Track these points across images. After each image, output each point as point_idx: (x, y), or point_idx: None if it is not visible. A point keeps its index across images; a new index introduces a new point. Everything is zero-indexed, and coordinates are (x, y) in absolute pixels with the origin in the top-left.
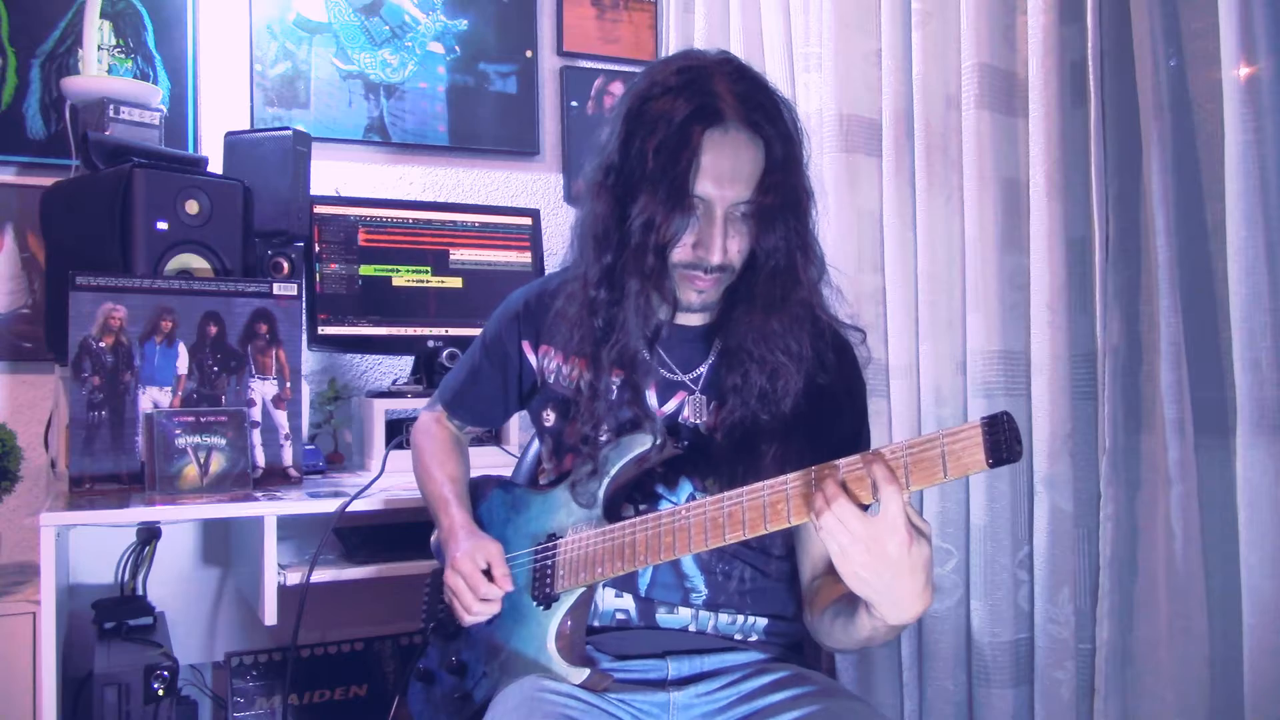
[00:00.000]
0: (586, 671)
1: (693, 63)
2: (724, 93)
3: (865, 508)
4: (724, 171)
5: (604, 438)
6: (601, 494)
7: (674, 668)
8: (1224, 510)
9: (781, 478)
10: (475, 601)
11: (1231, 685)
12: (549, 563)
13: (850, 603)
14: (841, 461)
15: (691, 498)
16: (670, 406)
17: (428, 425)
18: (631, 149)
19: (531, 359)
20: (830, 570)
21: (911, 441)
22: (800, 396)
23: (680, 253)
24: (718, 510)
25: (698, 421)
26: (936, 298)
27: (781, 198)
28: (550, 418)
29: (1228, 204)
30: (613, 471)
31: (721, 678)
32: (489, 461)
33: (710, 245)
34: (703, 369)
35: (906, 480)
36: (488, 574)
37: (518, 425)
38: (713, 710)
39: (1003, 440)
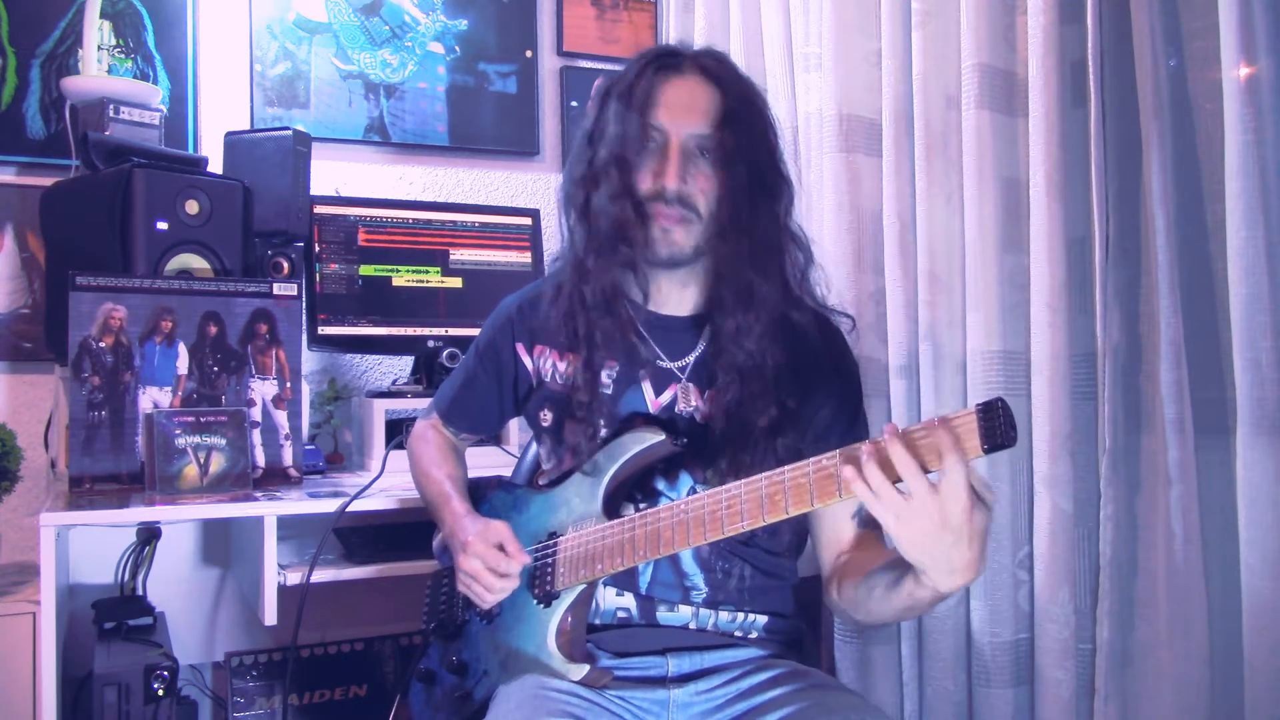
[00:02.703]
0: (586, 668)
1: (669, 45)
2: (685, 53)
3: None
4: (679, 103)
5: (601, 428)
6: (601, 493)
7: (674, 665)
8: (1224, 510)
9: (779, 469)
10: (496, 579)
11: (1231, 685)
12: (549, 561)
13: (891, 571)
14: (895, 432)
15: (692, 490)
16: (665, 397)
17: (423, 432)
18: (602, 112)
19: (526, 361)
20: (858, 546)
21: (908, 428)
22: (790, 375)
23: (644, 185)
24: (716, 504)
25: (691, 410)
26: (936, 298)
27: (741, 135)
28: (548, 417)
29: (1228, 204)
30: (612, 470)
31: (721, 674)
32: (489, 462)
33: (665, 170)
34: (691, 357)
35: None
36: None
37: (517, 426)
38: (711, 708)
39: (998, 426)
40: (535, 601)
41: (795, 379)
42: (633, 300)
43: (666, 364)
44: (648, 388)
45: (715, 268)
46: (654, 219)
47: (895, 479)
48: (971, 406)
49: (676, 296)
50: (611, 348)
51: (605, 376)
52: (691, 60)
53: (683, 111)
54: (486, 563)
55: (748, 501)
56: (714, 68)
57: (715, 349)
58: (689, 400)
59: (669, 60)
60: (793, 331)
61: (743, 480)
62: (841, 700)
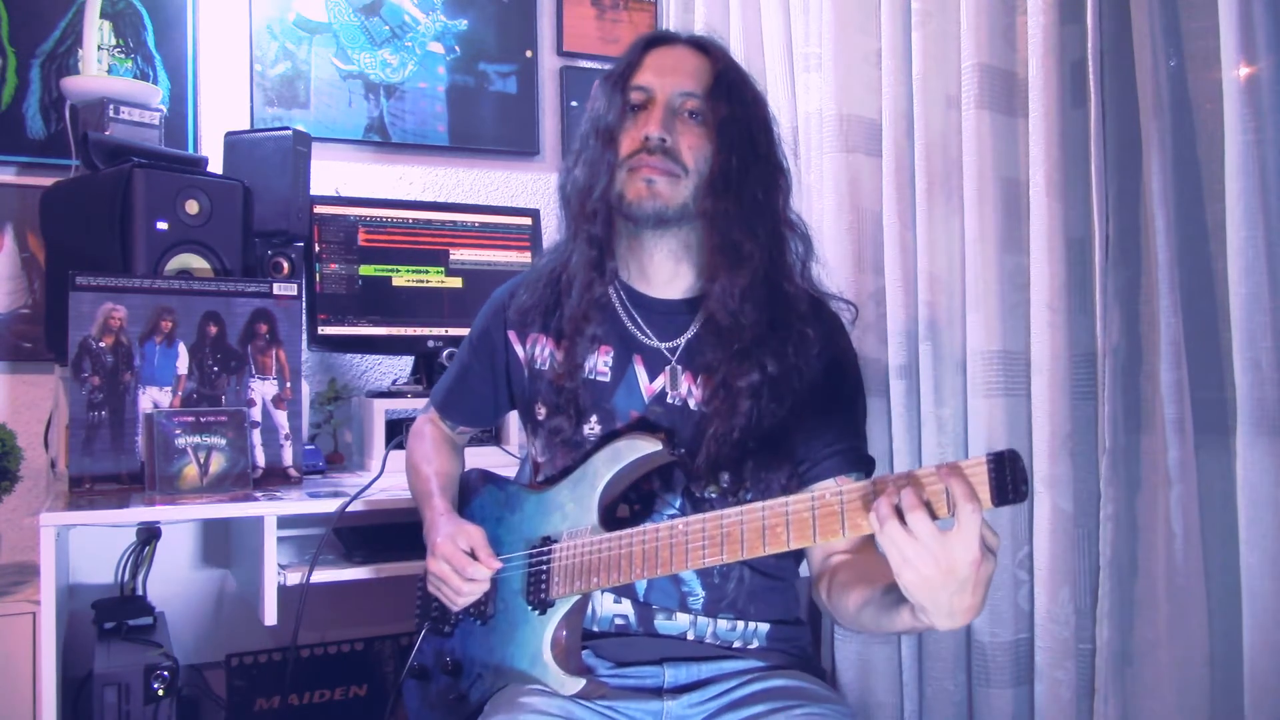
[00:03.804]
0: (582, 682)
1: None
2: (680, 33)
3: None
4: (665, 65)
5: (594, 425)
6: (596, 501)
7: (670, 675)
8: (1224, 510)
9: (781, 499)
10: (463, 583)
11: (1231, 685)
12: (544, 568)
13: (887, 595)
14: (904, 472)
15: (686, 491)
16: (659, 383)
17: (420, 427)
18: (594, 102)
19: (519, 349)
20: (852, 546)
21: (915, 473)
22: (785, 369)
23: (626, 144)
24: (715, 529)
25: (685, 397)
26: (936, 298)
27: (735, 112)
28: (542, 411)
29: (1228, 204)
30: (608, 477)
31: (717, 685)
32: (489, 461)
33: (648, 120)
34: (682, 340)
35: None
36: (472, 558)
37: (517, 425)
38: (704, 718)
39: (1008, 480)
40: (530, 608)
41: (791, 372)
42: (624, 282)
43: (656, 344)
44: (641, 372)
45: (707, 240)
46: (637, 173)
47: (905, 521)
48: (982, 456)
49: (669, 275)
50: (603, 332)
51: (602, 364)
52: (683, 38)
53: (669, 72)
54: (453, 565)
55: (749, 530)
56: (708, 43)
57: (708, 330)
58: (679, 386)
59: (660, 36)
60: (788, 316)
61: (743, 507)
62: (818, 715)
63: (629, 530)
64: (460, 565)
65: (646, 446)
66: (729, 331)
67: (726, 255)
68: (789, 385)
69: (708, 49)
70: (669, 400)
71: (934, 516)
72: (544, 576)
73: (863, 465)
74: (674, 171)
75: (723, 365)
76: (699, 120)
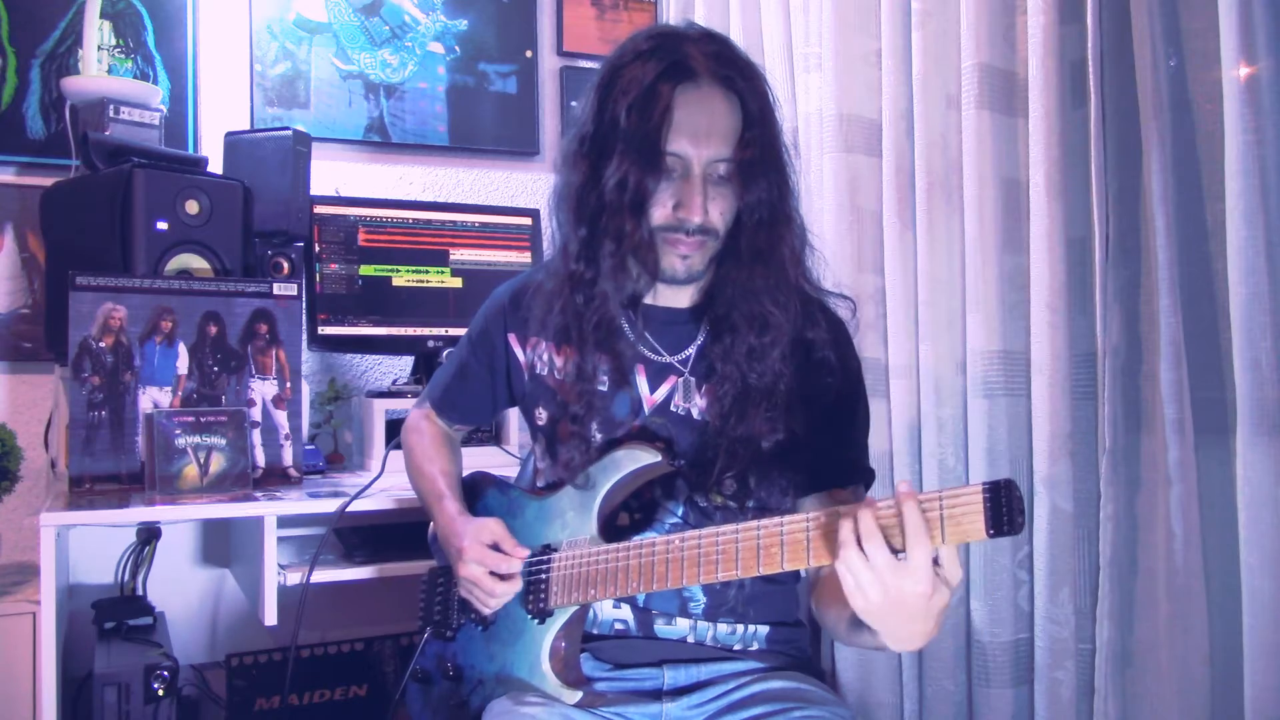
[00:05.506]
0: (580, 694)
1: (664, 30)
2: (695, 53)
3: (895, 551)
4: (699, 128)
5: (595, 433)
6: (595, 510)
7: (670, 677)
8: (1224, 510)
9: (777, 519)
10: (497, 584)
11: (1231, 685)
12: (543, 576)
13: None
14: (871, 501)
15: (689, 500)
16: (661, 393)
17: (417, 423)
18: (604, 114)
19: (519, 353)
20: None
21: (877, 503)
22: (793, 372)
23: (660, 214)
24: (711, 546)
25: (689, 407)
26: (936, 298)
27: (761, 153)
28: (543, 416)
29: (1228, 204)
30: (607, 487)
31: (717, 687)
32: (489, 461)
33: (690, 204)
34: (691, 350)
35: (903, 542)
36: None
37: (517, 425)
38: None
39: (1003, 510)
40: (529, 616)
41: (795, 385)
42: (620, 276)
43: (666, 358)
44: (642, 381)
45: (719, 259)
46: (673, 246)
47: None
48: (979, 484)
49: (676, 293)
50: (606, 345)
51: (600, 373)
52: (705, 68)
53: (704, 136)
54: (486, 565)
55: (744, 550)
56: (729, 75)
57: (715, 337)
58: (689, 397)
59: (683, 71)
60: (791, 302)
61: (739, 525)
62: (816, 718)
63: (626, 543)
64: (493, 564)
65: (646, 457)
66: (758, 392)
67: (754, 323)
68: (799, 416)
69: (733, 83)
70: (673, 409)
71: (894, 550)
72: (543, 585)
73: (862, 477)
74: (707, 242)
75: (745, 423)
76: (729, 182)
